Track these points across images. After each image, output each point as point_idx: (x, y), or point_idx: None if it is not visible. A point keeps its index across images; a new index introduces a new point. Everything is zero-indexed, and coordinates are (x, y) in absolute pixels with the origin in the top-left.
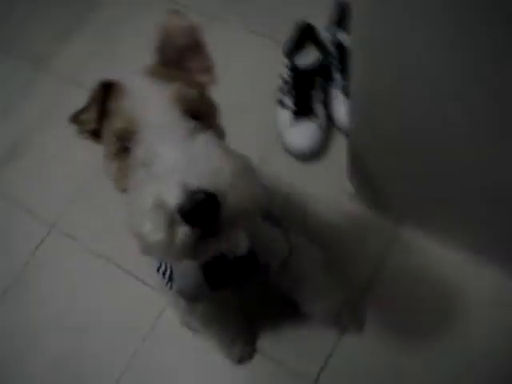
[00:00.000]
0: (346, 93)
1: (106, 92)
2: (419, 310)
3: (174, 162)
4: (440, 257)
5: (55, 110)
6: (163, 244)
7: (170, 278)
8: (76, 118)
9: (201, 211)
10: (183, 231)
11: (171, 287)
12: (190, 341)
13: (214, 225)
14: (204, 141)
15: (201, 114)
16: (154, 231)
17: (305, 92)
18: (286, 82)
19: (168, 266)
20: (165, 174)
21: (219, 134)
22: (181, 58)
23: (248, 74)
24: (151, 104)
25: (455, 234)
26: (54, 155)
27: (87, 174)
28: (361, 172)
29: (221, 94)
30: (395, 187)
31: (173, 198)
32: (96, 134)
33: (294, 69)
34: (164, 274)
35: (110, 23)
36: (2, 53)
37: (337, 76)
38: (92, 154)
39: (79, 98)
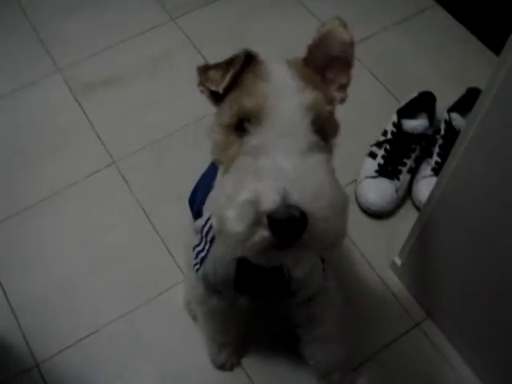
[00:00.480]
0: (437, 172)
1: (245, 62)
2: None
3: (285, 169)
4: (448, 367)
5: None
6: (239, 237)
7: (202, 261)
8: (205, 71)
9: (288, 226)
10: (263, 235)
11: (198, 270)
12: (183, 325)
13: (293, 242)
14: (320, 161)
15: (325, 131)
16: (237, 222)
17: (399, 154)
18: (385, 137)
19: (206, 247)
20: (271, 175)
21: (331, 155)
22: (326, 67)
23: (353, 114)
24: (287, 100)
25: (478, 362)
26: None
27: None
28: (417, 252)
29: None
30: (444, 288)
31: (269, 201)
32: (214, 96)
33: (399, 128)
34: (198, 254)
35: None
36: None
37: (434, 153)
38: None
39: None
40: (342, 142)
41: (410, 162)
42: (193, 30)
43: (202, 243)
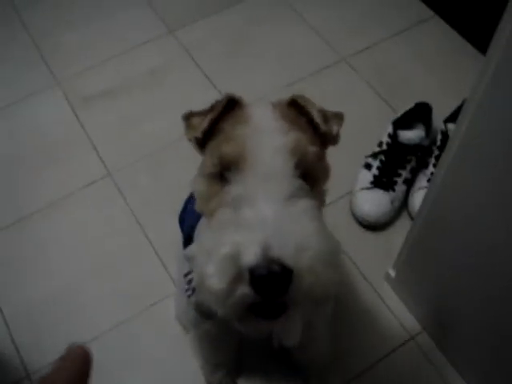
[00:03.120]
0: None
1: (229, 107)
2: None
3: (266, 219)
4: (444, 382)
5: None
6: (219, 294)
7: (194, 290)
8: (189, 118)
9: (271, 282)
10: (245, 292)
11: (190, 296)
12: (175, 337)
13: (277, 299)
14: (304, 208)
15: (312, 174)
16: (218, 279)
17: (394, 166)
18: (381, 148)
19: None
20: (252, 226)
21: (320, 201)
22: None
23: (349, 124)
24: (268, 144)
25: (473, 377)
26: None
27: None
28: (410, 264)
29: None
30: (438, 300)
31: (249, 256)
32: (199, 143)
33: (394, 139)
34: (190, 282)
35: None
36: None
37: (431, 164)
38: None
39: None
40: (337, 153)
41: (405, 173)
42: (191, 42)
43: (192, 273)
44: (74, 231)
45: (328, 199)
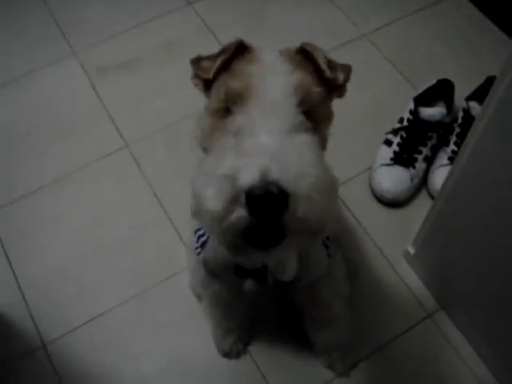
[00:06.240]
0: (453, 161)
1: (238, 51)
2: None
3: (266, 146)
4: (460, 360)
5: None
6: (215, 216)
7: (203, 245)
8: (198, 62)
9: (267, 204)
10: (240, 214)
11: (199, 253)
12: (190, 309)
13: (273, 223)
14: (305, 141)
15: (314, 115)
16: (214, 200)
17: (415, 142)
18: (402, 124)
19: (207, 233)
20: (252, 152)
21: (322, 144)
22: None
23: (370, 101)
24: (273, 80)
25: (490, 354)
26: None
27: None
28: (430, 242)
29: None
30: (457, 278)
31: (247, 177)
32: (206, 86)
33: (415, 116)
34: (199, 238)
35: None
36: None
37: (451, 142)
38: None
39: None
40: (358, 129)
41: (425, 151)
42: (209, 15)
43: (203, 229)
44: (90, 203)
45: (347, 175)
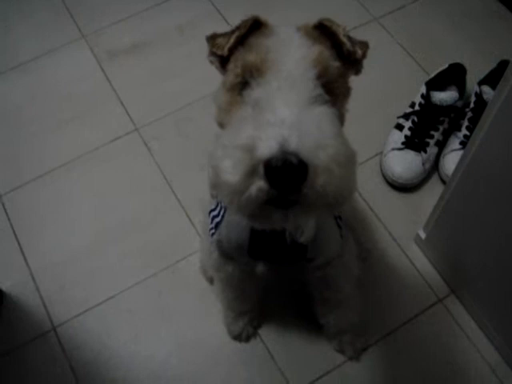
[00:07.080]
0: (465, 146)
1: (254, 28)
2: (421, 374)
3: (285, 118)
4: (471, 345)
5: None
6: (234, 188)
7: (217, 226)
8: (213, 38)
9: (286, 175)
10: (259, 185)
11: (213, 234)
12: (201, 292)
13: (292, 195)
14: (324, 113)
15: (333, 89)
16: (232, 171)
17: (426, 127)
18: (413, 109)
19: (221, 213)
20: (271, 124)
21: (340, 119)
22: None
23: (381, 85)
24: (291, 53)
25: (500, 340)
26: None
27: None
28: (441, 226)
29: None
30: (468, 263)
31: (266, 148)
32: (222, 63)
33: (427, 100)
34: (213, 218)
35: None
36: None
37: (463, 127)
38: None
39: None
40: (370, 114)
41: (437, 135)
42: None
43: (218, 208)
44: (100, 186)
45: (358, 159)
